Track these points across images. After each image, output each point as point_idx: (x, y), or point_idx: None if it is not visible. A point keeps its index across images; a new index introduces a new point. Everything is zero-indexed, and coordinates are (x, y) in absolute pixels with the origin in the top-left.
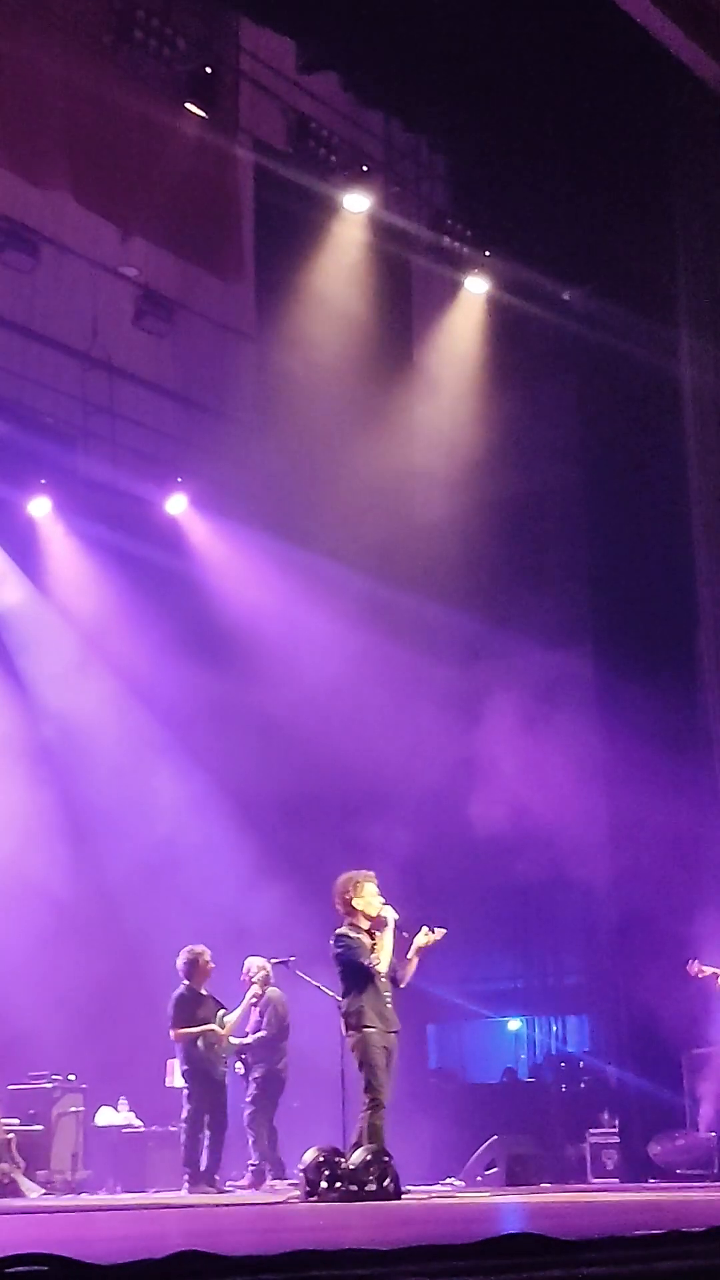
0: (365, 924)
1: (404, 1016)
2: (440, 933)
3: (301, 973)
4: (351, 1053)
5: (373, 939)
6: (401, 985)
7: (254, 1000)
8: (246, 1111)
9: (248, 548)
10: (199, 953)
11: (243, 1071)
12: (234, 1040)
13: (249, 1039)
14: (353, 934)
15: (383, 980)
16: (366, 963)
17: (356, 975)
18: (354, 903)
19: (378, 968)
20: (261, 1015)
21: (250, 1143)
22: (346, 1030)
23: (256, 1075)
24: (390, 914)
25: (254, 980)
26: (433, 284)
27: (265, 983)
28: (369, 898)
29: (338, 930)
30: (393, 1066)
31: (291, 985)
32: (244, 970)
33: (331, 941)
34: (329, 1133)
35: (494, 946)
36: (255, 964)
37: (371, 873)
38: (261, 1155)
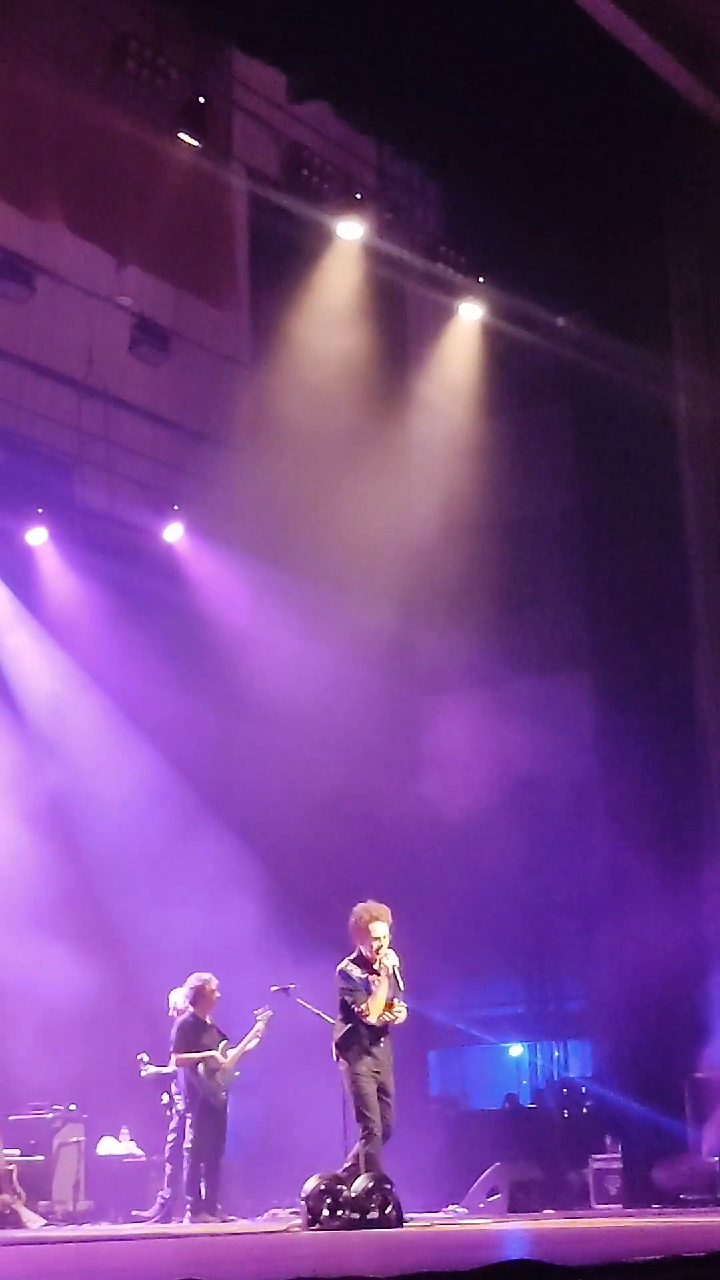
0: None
1: (405, 1043)
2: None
3: (302, 1000)
4: (344, 1082)
5: (376, 975)
6: (398, 1021)
7: (258, 1037)
8: (171, 1142)
9: (244, 575)
10: (206, 980)
11: (166, 1100)
12: (236, 1071)
13: (171, 1068)
14: (356, 973)
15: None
16: (358, 1009)
17: (349, 1012)
18: (360, 939)
19: (367, 1019)
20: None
21: (168, 1175)
22: (336, 1058)
23: (180, 1109)
24: (390, 960)
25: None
26: (427, 311)
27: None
28: (372, 940)
29: (341, 966)
30: (390, 1100)
31: (292, 1012)
32: (171, 1006)
33: (336, 973)
34: (330, 1161)
35: (495, 972)
36: (181, 995)
37: (385, 908)
38: (175, 1191)
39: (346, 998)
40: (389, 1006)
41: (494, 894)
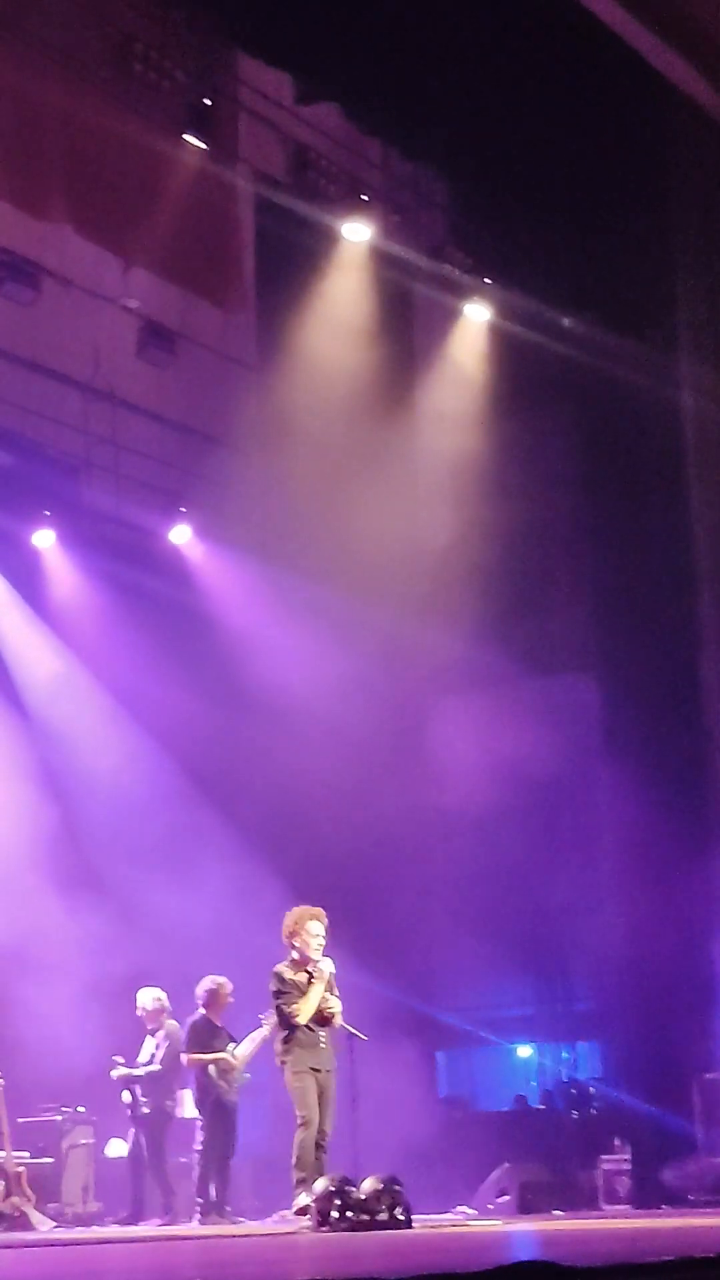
0: (301, 960)
1: (413, 1045)
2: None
3: None
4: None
5: (309, 980)
6: (335, 1025)
7: (265, 1038)
8: (133, 1149)
9: (251, 576)
10: (221, 983)
11: (129, 1100)
12: (245, 1073)
13: (139, 1071)
14: (289, 974)
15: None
16: (288, 1010)
17: (284, 1017)
18: (295, 940)
19: (297, 1019)
20: (158, 1048)
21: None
22: (279, 1062)
23: (145, 1112)
24: (326, 965)
25: (147, 1010)
26: (433, 312)
27: (161, 1014)
28: (308, 938)
29: (275, 968)
30: (329, 1105)
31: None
32: (139, 1006)
33: (270, 976)
34: (339, 1163)
35: (504, 973)
36: (150, 996)
37: (319, 910)
38: (135, 1195)
39: (278, 1000)
40: (323, 1009)
41: (502, 895)
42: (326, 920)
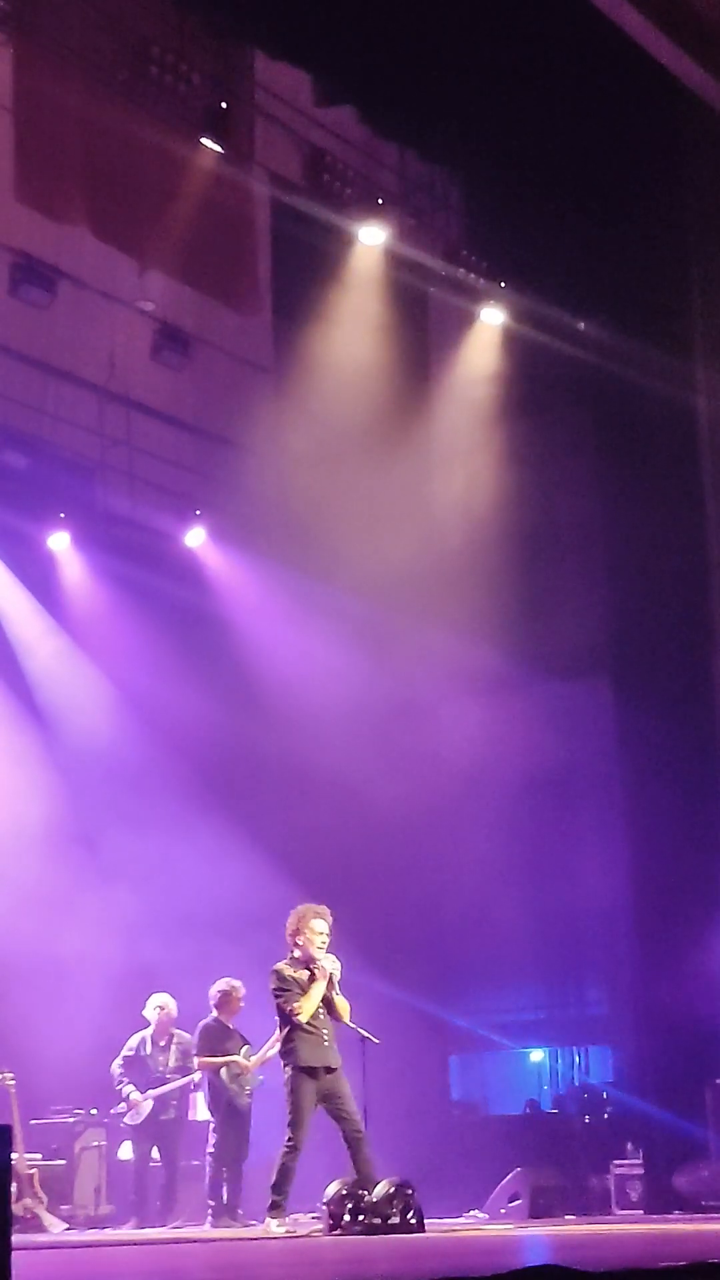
0: (303, 958)
1: (425, 1049)
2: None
3: None
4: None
5: (312, 977)
6: (344, 1021)
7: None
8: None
9: (266, 580)
10: (234, 986)
11: (148, 1111)
12: (259, 1076)
13: (168, 1087)
14: (288, 971)
15: (319, 1019)
16: (289, 1008)
17: (285, 1015)
18: (298, 939)
19: (298, 1017)
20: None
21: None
22: (283, 1068)
23: (168, 1117)
24: (329, 964)
25: (152, 1023)
26: (448, 315)
27: (168, 1026)
28: (311, 936)
29: (275, 966)
30: (346, 1100)
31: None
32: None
33: (270, 974)
34: (350, 1166)
35: (516, 977)
36: (153, 1007)
37: (323, 908)
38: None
39: (278, 999)
40: (329, 1007)
41: (515, 898)
42: (331, 919)
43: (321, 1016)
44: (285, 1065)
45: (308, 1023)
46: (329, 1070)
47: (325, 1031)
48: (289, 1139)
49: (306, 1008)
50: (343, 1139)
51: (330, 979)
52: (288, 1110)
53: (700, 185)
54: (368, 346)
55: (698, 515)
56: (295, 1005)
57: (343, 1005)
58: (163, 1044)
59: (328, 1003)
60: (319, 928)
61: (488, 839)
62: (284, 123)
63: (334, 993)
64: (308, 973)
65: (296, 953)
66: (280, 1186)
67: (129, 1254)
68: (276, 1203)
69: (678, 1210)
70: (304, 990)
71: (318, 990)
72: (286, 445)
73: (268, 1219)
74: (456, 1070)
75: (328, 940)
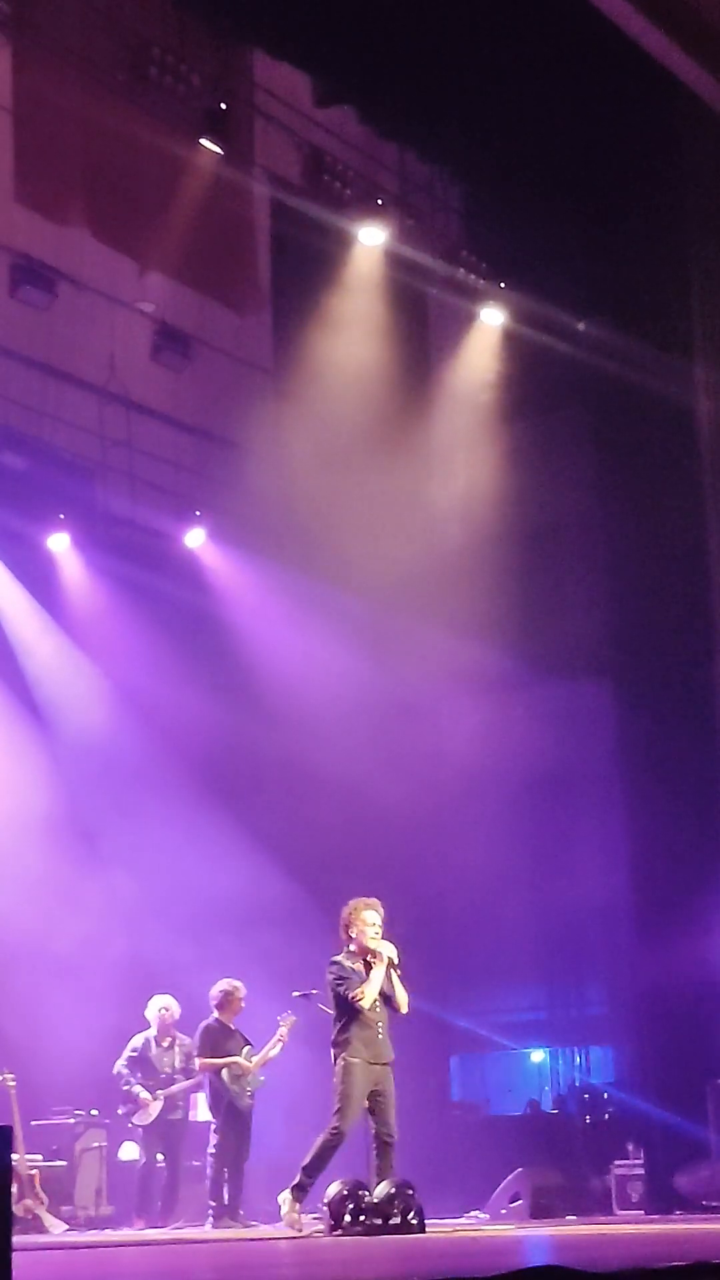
0: (359, 950)
1: (426, 1049)
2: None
3: (324, 1006)
4: (334, 1078)
5: (368, 968)
6: (403, 1011)
7: (282, 1043)
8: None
9: (266, 580)
10: (235, 987)
11: (156, 1113)
12: (260, 1077)
13: (176, 1088)
14: (347, 963)
15: (376, 1010)
16: (350, 995)
17: (344, 1004)
18: (351, 931)
19: (360, 1003)
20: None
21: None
22: (334, 1058)
23: (175, 1118)
24: (385, 949)
25: (154, 1025)
26: (448, 316)
27: (170, 1028)
28: (364, 927)
29: (334, 957)
30: (389, 1100)
31: (314, 1017)
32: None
33: (327, 967)
34: (353, 1166)
35: (517, 978)
36: (154, 1010)
37: (374, 900)
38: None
39: (339, 986)
40: (386, 1001)
41: (516, 899)
42: (383, 911)
43: (379, 1009)
44: (337, 1055)
45: (365, 1014)
46: (382, 1063)
47: (380, 1024)
48: (333, 1126)
49: (369, 993)
50: (373, 1137)
51: (390, 962)
52: (335, 1099)
53: (700, 185)
54: (368, 347)
55: (698, 515)
56: (357, 992)
57: (402, 996)
58: (165, 1045)
59: (385, 997)
60: (370, 919)
61: (488, 839)
62: (283, 123)
63: (396, 974)
64: (365, 963)
65: (351, 946)
66: (311, 1169)
67: (129, 1255)
68: (302, 1184)
69: (679, 1210)
70: (364, 978)
71: (377, 975)
72: (286, 446)
73: (288, 1193)
74: (457, 1071)
75: (380, 931)
